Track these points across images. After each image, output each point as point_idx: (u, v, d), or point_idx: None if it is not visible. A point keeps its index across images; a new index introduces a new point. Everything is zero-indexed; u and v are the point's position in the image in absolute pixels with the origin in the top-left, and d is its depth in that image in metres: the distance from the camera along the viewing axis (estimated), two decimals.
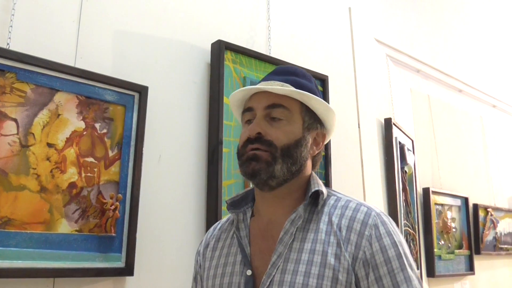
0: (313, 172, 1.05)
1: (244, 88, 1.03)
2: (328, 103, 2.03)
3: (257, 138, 0.96)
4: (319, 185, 1.00)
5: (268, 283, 0.91)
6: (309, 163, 1.03)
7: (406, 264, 0.90)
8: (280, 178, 0.97)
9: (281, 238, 0.94)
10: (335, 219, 0.95)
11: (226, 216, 1.15)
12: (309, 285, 0.87)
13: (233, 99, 1.08)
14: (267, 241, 0.98)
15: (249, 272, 0.95)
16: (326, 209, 0.97)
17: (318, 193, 0.98)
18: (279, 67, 1.12)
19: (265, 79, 1.06)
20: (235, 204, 1.06)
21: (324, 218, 0.96)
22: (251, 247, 0.99)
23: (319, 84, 2.06)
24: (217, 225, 1.14)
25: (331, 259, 0.89)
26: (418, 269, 2.65)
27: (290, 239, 0.94)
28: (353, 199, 1.00)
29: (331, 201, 1.00)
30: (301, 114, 1.01)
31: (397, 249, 0.90)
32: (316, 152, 1.05)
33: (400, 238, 0.93)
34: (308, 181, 1.02)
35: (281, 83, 1.00)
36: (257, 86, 1.01)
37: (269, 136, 0.97)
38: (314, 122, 1.04)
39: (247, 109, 1.03)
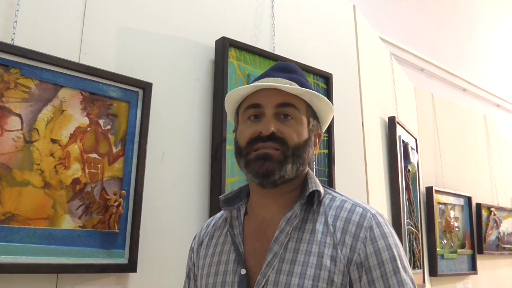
0: (310, 170, 1.03)
1: (255, 84, 0.97)
2: (332, 101, 2.05)
3: (270, 136, 0.93)
4: (317, 184, 0.98)
5: (263, 283, 0.89)
6: None
7: (399, 267, 0.89)
8: (289, 178, 0.95)
9: (276, 237, 0.93)
10: (330, 220, 0.93)
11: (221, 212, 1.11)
12: (305, 287, 0.86)
13: (241, 92, 1.00)
14: (261, 240, 0.96)
15: (243, 271, 0.93)
16: (322, 209, 0.96)
17: (314, 192, 0.96)
18: (279, 63, 1.09)
19: (269, 75, 1.01)
20: (229, 201, 1.04)
21: (320, 219, 0.94)
22: (245, 245, 0.97)
23: (323, 82, 2.06)
24: (211, 221, 1.12)
25: (327, 261, 0.88)
26: (420, 267, 2.64)
27: (285, 238, 0.92)
28: (348, 199, 0.98)
29: (326, 200, 0.98)
30: (306, 115, 0.99)
31: (391, 252, 0.89)
32: (314, 152, 1.04)
33: (395, 240, 0.92)
34: (304, 180, 1.00)
35: (289, 81, 0.98)
36: (270, 83, 0.96)
37: (281, 134, 0.94)
38: (317, 124, 1.03)
39: (252, 105, 0.98)
